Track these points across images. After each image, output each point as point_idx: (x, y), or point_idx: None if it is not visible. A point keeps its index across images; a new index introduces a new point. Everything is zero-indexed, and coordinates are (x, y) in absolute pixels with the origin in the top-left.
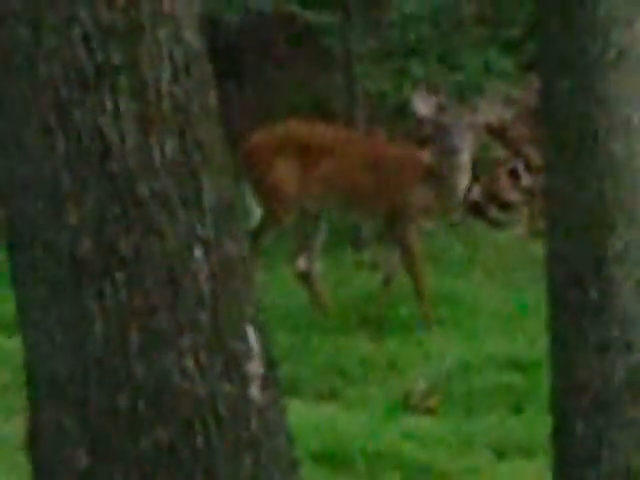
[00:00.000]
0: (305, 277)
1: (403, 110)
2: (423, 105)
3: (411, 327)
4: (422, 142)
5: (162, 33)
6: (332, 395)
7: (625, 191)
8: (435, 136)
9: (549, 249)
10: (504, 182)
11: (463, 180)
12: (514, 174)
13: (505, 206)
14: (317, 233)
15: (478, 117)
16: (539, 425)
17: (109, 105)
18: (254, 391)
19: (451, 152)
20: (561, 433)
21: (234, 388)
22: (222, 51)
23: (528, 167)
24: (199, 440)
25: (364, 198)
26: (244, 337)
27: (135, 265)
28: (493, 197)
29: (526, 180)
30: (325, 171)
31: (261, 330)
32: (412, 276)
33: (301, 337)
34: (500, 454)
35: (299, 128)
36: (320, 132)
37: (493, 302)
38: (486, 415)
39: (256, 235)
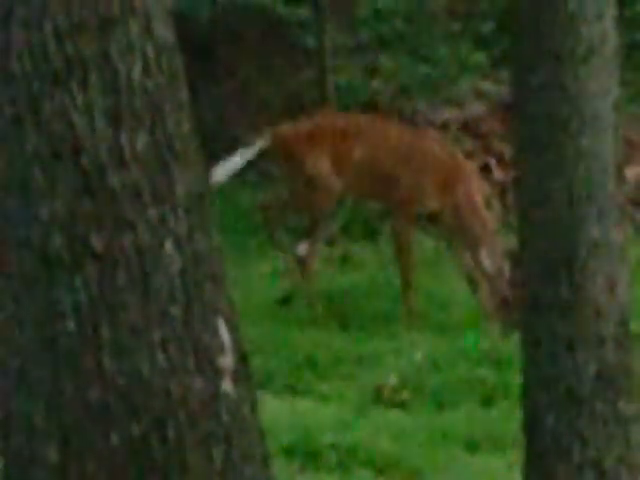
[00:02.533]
0: (303, 264)
1: (373, 103)
2: None
3: (383, 321)
4: None
5: (133, 27)
6: (304, 389)
7: (595, 186)
8: None
9: (520, 244)
10: None
11: None
12: (486, 168)
13: None
14: (330, 222)
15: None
16: (510, 419)
17: (80, 99)
18: (226, 385)
19: None
20: (532, 427)
21: (206, 382)
22: (194, 45)
23: (500, 161)
24: (171, 435)
25: (390, 188)
26: (216, 331)
27: (106, 259)
28: None
29: (498, 174)
30: (360, 158)
31: (233, 324)
32: (403, 269)
33: (273, 331)
34: (471, 448)
35: (337, 118)
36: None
37: (464, 296)
38: (457, 409)
39: (312, 230)
